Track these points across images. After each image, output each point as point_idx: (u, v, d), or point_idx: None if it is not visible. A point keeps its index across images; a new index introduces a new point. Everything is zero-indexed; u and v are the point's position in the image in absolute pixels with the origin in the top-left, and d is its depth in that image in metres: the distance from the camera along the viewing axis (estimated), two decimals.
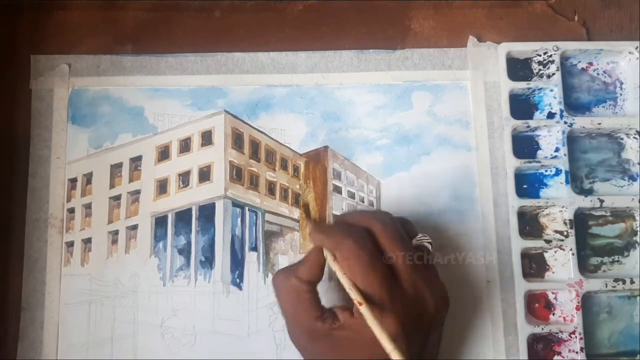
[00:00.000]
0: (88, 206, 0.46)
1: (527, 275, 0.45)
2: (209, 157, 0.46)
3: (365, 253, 0.35)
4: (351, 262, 0.35)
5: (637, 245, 0.47)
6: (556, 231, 0.46)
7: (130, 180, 0.46)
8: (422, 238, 0.40)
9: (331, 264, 0.36)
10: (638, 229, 0.47)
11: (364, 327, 0.34)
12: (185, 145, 0.47)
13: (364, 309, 0.34)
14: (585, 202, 0.46)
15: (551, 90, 0.48)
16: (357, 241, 0.35)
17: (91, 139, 0.46)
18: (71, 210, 0.46)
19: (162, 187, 0.46)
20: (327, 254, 0.36)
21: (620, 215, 0.47)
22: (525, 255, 0.46)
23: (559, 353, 0.44)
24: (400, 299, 0.35)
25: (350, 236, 0.36)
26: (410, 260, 0.36)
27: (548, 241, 0.45)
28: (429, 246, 0.40)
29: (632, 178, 0.48)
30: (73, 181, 0.46)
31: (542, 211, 0.47)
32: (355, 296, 0.34)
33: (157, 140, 0.47)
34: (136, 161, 0.46)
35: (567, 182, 0.46)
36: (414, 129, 0.47)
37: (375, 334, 0.33)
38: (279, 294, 0.38)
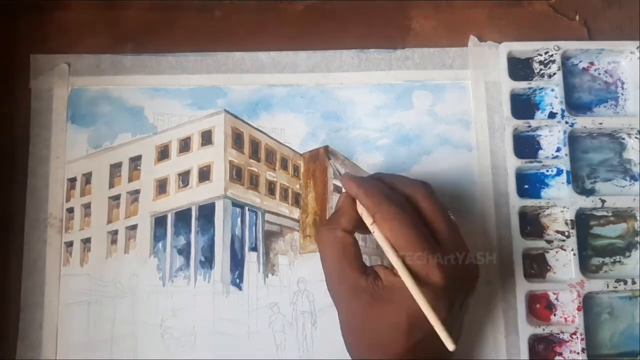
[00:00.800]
0: (87, 206, 0.46)
1: (528, 275, 0.45)
2: (209, 157, 0.46)
3: (409, 216, 0.35)
4: (393, 224, 0.35)
5: (638, 245, 0.47)
6: (557, 231, 0.46)
7: (130, 180, 0.46)
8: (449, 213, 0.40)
9: (367, 222, 0.36)
10: (639, 229, 0.47)
11: (405, 287, 0.34)
12: (185, 145, 0.47)
13: (404, 273, 0.34)
14: (586, 202, 0.46)
15: (552, 90, 0.48)
16: (398, 204, 0.36)
17: (91, 139, 0.46)
18: (70, 210, 0.45)
19: (161, 186, 0.46)
20: (362, 211, 0.36)
21: (622, 215, 0.47)
22: (527, 256, 0.45)
23: (560, 354, 0.44)
24: (443, 264, 0.35)
25: (392, 200, 0.36)
26: (451, 227, 0.37)
27: (549, 241, 0.45)
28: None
29: (634, 178, 0.48)
30: (72, 181, 0.46)
31: (544, 211, 0.47)
32: (394, 259, 0.34)
33: (157, 140, 0.47)
34: (136, 161, 0.46)
35: (568, 182, 0.46)
36: (414, 129, 0.47)
37: (416, 299, 0.33)
38: (324, 247, 0.37)
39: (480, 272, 0.39)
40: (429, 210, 0.37)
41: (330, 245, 0.37)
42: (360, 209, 0.37)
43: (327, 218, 0.39)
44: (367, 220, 0.36)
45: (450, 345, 0.33)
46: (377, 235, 0.36)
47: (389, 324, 0.35)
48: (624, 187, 0.48)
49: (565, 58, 0.48)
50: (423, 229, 0.36)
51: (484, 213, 0.46)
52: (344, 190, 0.39)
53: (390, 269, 0.36)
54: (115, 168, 0.46)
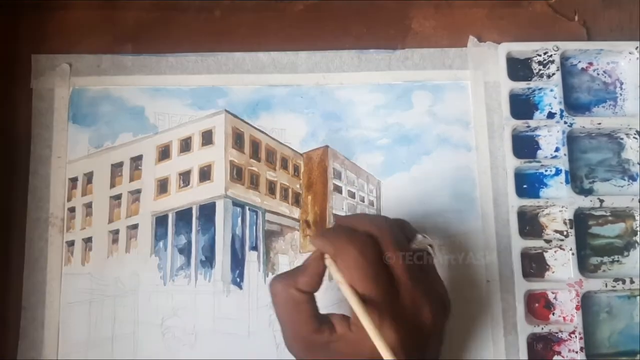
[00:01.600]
0: (89, 205, 0.46)
1: (527, 275, 0.45)
2: (210, 157, 0.46)
3: (367, 261, 0.34)
4: (352, 270, 0.34)
5: (637, 245, 0.47)
6: (556, 231, 0.46)
7: (131, 179, 0.46)
8: (423, 240, 0.38)
9: (332, 270, 0.35)
10: (638, 228, 0.47)
11: (362, 338, 0.33)
12: (185, 145, 0.47)
13: (363, 318, 0.33)
14: (585, 202, 0.46)
15: (551, 90, 0.48)
16: (359, 248, 0.35)
17: (92, 139, 0.47)
18: (72, 210, 0.46)
19: (162, 186, 0.46)
20: (328, 261, 0.36)
21: (620, 215, 0.47)
22: (525, 255, 0.46)
23: (559, 353, 0.45)
24: (399, 310, 0.34)
25: (352, 242, 0.35)
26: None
27: (548, 241, 0.45)
28: (430, 248, 0.39)
29: (632, 178, 0.48)
30: (74, 180, 0.46)
31: (542, 211, 0.47)
32: (355, 305, 0.33)
33: (158, 140, 0.47)
34: (137, 160, 0.47)
35: (567, 182, 0.46)
36: (414, 129, 0.47)
37: (375, 344, 0.32)
38: (276, 301, 0.36)
39: (450, 305, 0.38)
40: (390, 254, 0.35)
41: (283, 301, 0.36)
42: (327, 260, 0.36)
43: (286, 272, 0.38)
44: (332, 269, 0.35)
45: None
46: (340, 282, 0.35)
47: None
48: (622, 187, 0.48)
49: (564, 58, 0.48)
50: (382, 273, 0.34)
51: (483, 213, 0.46)
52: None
53: (347, 318, 0.35)
54: (117, 168, 0.46)
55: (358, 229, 0.36)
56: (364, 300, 0.34)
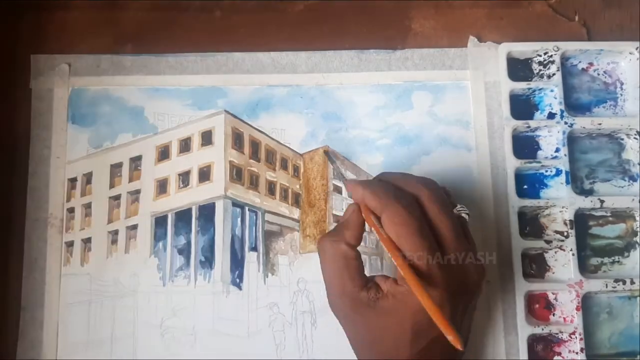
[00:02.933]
0: (88, 206, 0.46)
1: (527, 275, 0.45)
2: (209, 157, 0.46)
3: (415, 220, 0.35)
4: (399, 228, 0.34)
5: (637, 245, 0.47)
6: (556, 231, 0.46)
7: (130, 180, 0.46)
8: (461, 209, 0.39)
9: (373, 226, 0.35)
10: (638, 229, 0.47)
11: (407, 295, 0.34)
12: (185, 145, 0.47)
13: (409, 276, 0.33)
14: (585, 202, 0.46)
15: (551, 91, 0.48)
16: (407, 207, 0.35)
17: (91, 139, 0.46)
18: (71, 210, 0.46)
19: (162, 187, 0.46)
20: (368, 214, 0.36)
21: (621, 215, 0.47)
22: (526, 256, 0.46)
23: (559, 353, 0.44)
24: (445, 267, 0.35)
25: (400, 201, 0.35)
26: (454, 230, 0.36)
27: (548, 241, 0.45)
28: (467, 217, 0.39)
29: (633, 178, 0.48)
30: (73, 181, 0.46)
31: (543, 211, 0.47)
32: (397, 260, 0.34)
33: (157, 140, 0.47)
34: (136, 161, 0.46)
35: (567, 182, 0.46)
36: (414, 129, 0.47)
37: (421, 301, 0.33)
38: (326, 260, 0.37)
39: (483, 279, 0.38)
40: (433, 213, 0.36)
41: (332, 258, 0.36)
42: (365, 214, 0.36)
43: (332, 230, 0.39)
44: (373, 223, 0.36)
45: (458, 345, 0.32)
46: (383, 239, 0.35)
47: (392, 335, 0.35)
48: (622, 187, 0.48)
49: (564, 58, 0.48)
50: (428, 232, 0.35)
51: (483, 213, 0.46)
52: (351, 202, 0.38)
53: (391, 277, 0.36)
54: (116, 168, 0.46)
55: (404, 188, 0.37)
56: (409, 259, 0.34)
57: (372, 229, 0.36)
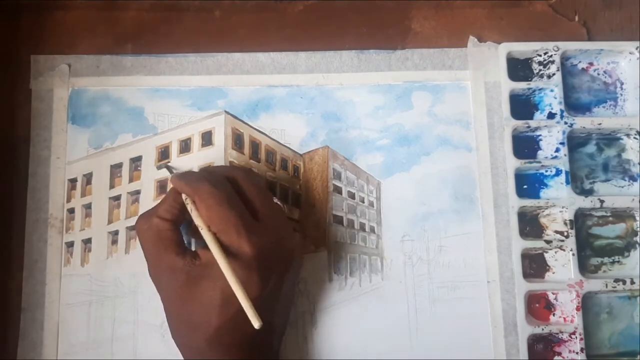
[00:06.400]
0: (88, 206, 0.46)
1: (527, 275, 0.45)
2: (209, 158, 0.46)
3: (223, 193, 0.37)
4: (209, 202, 0.36)
5: (637, 245, 0.47)
6: (556, 231, 0.46)
7: (130, 180, 0.46)
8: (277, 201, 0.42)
9: (189, 207, 0.37)
10: (638, 229, 0.47)
11: (220, 272, 0.35)
12: (185, 146, 0.47)
13: (214, 249, 0.35)
14: (585, 202, 0.46)
15: (551, 91, 0.48)
16: (214, 184, 0.37)
17: (91, 139, 0.46)
18: (71, 211, 0.46)
19: (162, 187, 0.46)
20: (186, 200, 0.38)
21: (621, 215, 0.47)
22: (526, 256, 0.46)
23: (559, 353, 0.45)
24: (257, 239, 0.36)
25: (208, 180, 0.37)
26: (270, 204, 0.39)
27: (548, 241, 0.45)
28: (284, 208, 0.43)
29: (633, 178, 0.48)
30: (73, 181, 0.46)
31: (543, 211, 0.47)
32: (207, 236, 0.36)
33: (157, 141, 0.47)
34: (136, 161, 0.46)
35: (567, 182, 0.46)
36: (414, 129, 0.47)
37: (225, 274, 0.35)
38: (140, 235, 0.38)
39: (299, 252, 0.41)
40: (248, 191, 0.38)
41: (146, 232, 0.38)
42: (185, 199, 0.38)
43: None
44: (189, 206, 0.37)
45: (255, 322, 0.34)
46: (194, 216, 0.37)
47: (203, 300, 0.36)
48: (622, 187, 0.48)
49: (564, 58, 0.48)
50: (239, 205, 0.37)
51: (483, 213, 0.46)
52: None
53: (210, 251, 0.37)
54: (116, 168, 0.46)
55: (216, 172, 0.40)
56: (220, 232, 0.36)
57: (192, 214, 0.37)
